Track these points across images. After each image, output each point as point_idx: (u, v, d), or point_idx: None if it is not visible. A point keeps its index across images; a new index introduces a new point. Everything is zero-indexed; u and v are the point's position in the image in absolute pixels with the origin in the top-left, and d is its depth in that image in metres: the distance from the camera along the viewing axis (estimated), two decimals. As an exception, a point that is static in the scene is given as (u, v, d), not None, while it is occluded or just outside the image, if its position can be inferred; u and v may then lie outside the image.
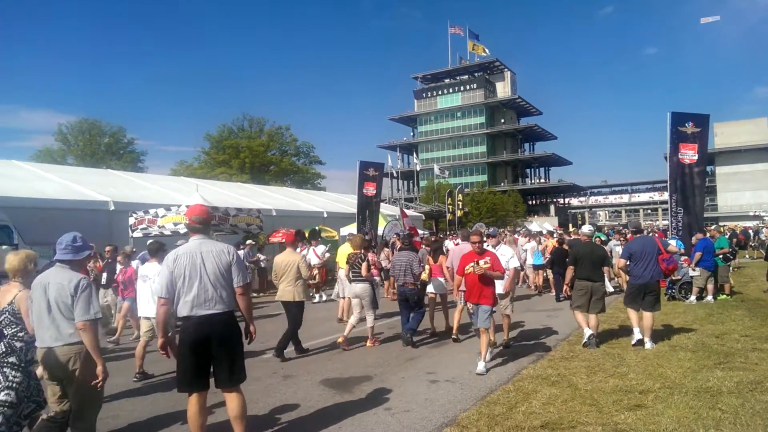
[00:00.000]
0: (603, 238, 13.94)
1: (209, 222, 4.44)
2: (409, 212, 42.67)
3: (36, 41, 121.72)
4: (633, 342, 7.33)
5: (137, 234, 14.30)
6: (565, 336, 8.38)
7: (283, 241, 10.95)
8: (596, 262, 7.62)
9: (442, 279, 9.15)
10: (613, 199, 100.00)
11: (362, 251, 8.45)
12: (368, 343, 8.23)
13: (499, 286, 7.40)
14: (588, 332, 7.39)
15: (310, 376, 6.58)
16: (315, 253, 13.38)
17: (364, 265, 8.16)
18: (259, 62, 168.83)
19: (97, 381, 3.70)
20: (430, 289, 9.18)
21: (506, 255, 7.81)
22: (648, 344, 7.19)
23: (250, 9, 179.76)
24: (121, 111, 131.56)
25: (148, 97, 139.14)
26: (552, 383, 5.73)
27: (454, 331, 8.38)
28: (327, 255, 13.91)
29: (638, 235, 8.38)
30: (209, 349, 3.96)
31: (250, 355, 6.75)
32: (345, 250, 9.92)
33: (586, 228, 8.69)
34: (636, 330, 7.44)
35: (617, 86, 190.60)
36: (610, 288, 9.38)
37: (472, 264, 6.47)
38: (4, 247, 12.68)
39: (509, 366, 6.71)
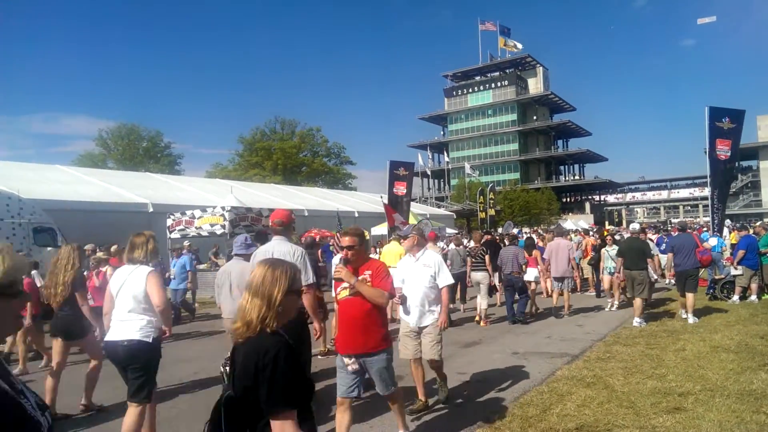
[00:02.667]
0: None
1: (289, 225, 4.97)
2: (439, 211, 42.55)
3: (74, 49, 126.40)
4: (683, 316, 9.13)
5: (175, 235, 14.69)
6: (601, 336, 8.21)
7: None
8: (637, 254, 9.01)
9: (535, 270, 10.65)
10: (651, 195, 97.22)
11: (481, 246, 10.19)
12: (482, 323, 9.60)
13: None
14: (637, 320, 8.85)
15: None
16: None
17: (488, 257, 9.88)
18: (290, 64, 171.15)
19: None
20: (527, 277, 10.35)
21: (430, 266, 5.09)
22: (690, 319, 8.86)
23: (281, 12, 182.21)
24: (158, 115, 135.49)
25: (183, 101, 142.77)
26: (587, 385, 5.63)
27: (565, 309, 10.34)
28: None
29: (680, 232, 10.36)
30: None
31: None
32: (393, 249, 9.87)
33: (633, 226, 10.83)
34: (682, 311, 9.27)
35: (654, 79, 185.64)
36: (654, 276, 9.77)
37: (345, 285, 3.95)
38: (49, 249, 13.22)
39: (543, 367, 6.61)
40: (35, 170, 21.31)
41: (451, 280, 5.27)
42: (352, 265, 3.95)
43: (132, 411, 3.92)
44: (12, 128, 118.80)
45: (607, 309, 10.82)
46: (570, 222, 44.65)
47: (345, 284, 3.92)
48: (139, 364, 3.93)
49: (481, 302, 9.73)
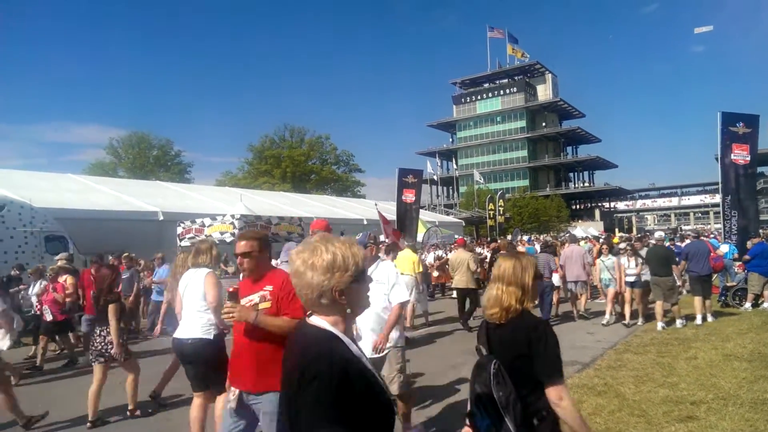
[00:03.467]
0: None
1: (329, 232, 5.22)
2: (448, 218, 42.48)
3: (85, 58, 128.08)
4: (698, 322, 9.28)
5: (185, 243, 14.76)
6: (612, 344, 8.15)
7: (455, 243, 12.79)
8: (661, 260, 9.46)
9: (557, 276, 10.98)
10: (661, 202, 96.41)
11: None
12: None
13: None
14: (660, 324, 9.20)
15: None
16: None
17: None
18: (299, 72, 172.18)
19: None
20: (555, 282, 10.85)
21: (383, 282, 4.30)
22: (709, 318, 9.45)
23: (288, 21, 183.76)
24: (168, 124, 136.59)
25: (194, 109, 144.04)
26: (598, 393, 5.58)
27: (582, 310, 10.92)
28: None
29: (694, 240, 10.75)
30: None
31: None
32: (406, 256, 10.07)
33: (658, 234, 12.21)
34: (699, 315, 9.37)
35: (664, 85, 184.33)
36: (678, 282, 10.20)
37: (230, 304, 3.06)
38: (60, 255, 13.35)
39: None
40: (47, 179, 21.57)
41: (405, 297, 4.42)
42: (251, 276, 3.22)
43: (197, 402, 4.23)
44: (24, 137, 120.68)
45: (603, 322, 10.22)
46: (579, 229, 44.37)
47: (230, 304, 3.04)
48: (202, 359, 4.16)
49: None
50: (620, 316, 10.40)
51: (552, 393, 2.24)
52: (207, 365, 4.15)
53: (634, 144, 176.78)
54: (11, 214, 12.98)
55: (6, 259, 11.94)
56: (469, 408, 2.32)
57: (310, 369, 1.38)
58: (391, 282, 4.31)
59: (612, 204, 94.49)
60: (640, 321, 9.93)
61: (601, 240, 17.44)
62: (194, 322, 4.22)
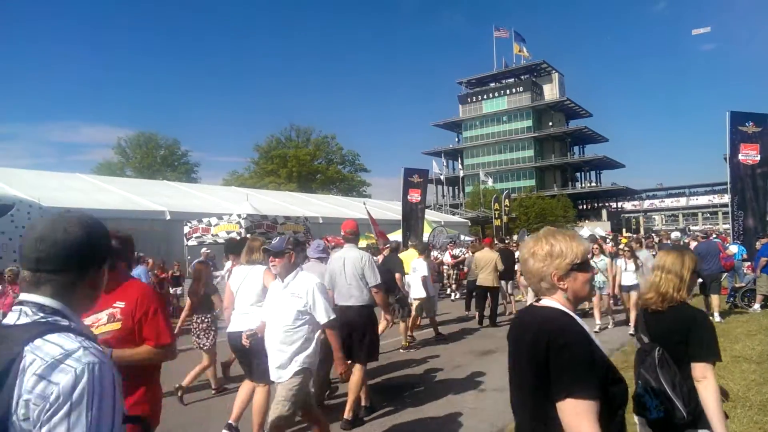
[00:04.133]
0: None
1: (358, 234, 5.67)
2: (454, 218, 42.41)
3: (93, 58, 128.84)
4: (717, 319, 9.33)
5: (192, 242, 14.84)
6: (620, 345, 8.11)
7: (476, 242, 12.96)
8: None
9: None
10: (669, 202, 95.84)
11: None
12: None
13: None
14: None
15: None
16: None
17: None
18: (305, 72, 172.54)
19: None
20: None
21: (301, 296, 3.72)
22: (717, 318, 9.41)
23: (294, 21, 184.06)
24: (175, 124, 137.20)
25: (200, 109, 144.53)
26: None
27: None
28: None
29: (704, 240, 11.44)
30: (349, 333, 4.91)
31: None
32: (410, 256, 10.14)
33: (675, 234, 12.37)
34: (716, 313, 9.55)
35: (672, 84, 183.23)
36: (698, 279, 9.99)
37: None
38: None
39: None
40: (56, 178, 21.72)
41: (332, 315, 3.75)
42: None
43: (260, 390, 4.44)
44: (33, 137, 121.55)
45: (596, 329, 9.23)
46: (586, 229, 44.17)
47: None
48: (262, 351, 4.14)
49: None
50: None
51: (698, 369, 2.39)
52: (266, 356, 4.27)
53: (642, 144, 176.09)
54: (20, 213, 13.10)
55: (16, 258, 12.02)
56: (635, 390, 2.50)
57: (558, 339, 1.58)
58: (311, 297, 3.67)
59: (619, 204, 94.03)
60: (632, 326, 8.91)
61: (608, 240, 17.38)
62: (253, 316, 4.37)
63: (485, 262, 10.51)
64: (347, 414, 4.88)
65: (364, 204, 14.39)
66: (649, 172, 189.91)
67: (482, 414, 5.19)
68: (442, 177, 65.10)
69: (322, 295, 3.74)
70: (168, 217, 18.84)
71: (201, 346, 6.23)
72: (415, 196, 19.16)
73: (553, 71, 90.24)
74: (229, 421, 4.58)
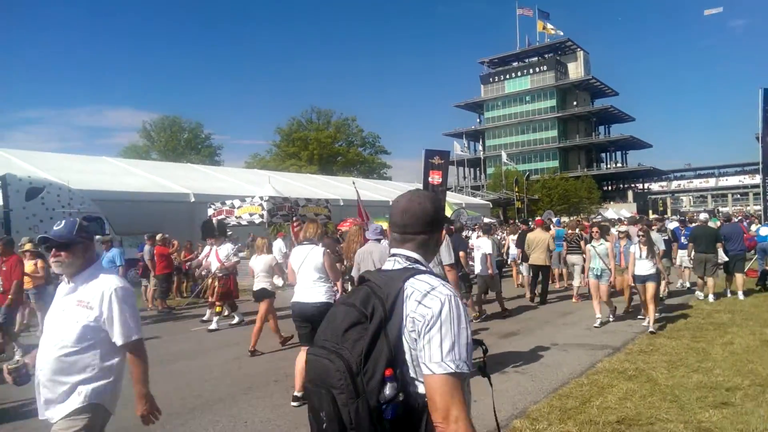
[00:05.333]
0: (717, 222, 13.69)
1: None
2: (475, 200, 42.10)
3: (118, 42, 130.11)
4: (740, 297, 9.94)
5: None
6: (644, 329, 7.99)
7: (532, 224, 13.52)
8: (710, 239, 10.15)
9: None
10: (698, 183, 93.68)
11: (578, 231, 11.93)
12: (574, 300, 10.92)
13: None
14: (700, 294, 10.32)
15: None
16: (217, 256, 9.45)
17: (582, 242, 10.82)
18: (326, 55, 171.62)
19: None
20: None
21: (92, 306, 2.54)
22: (741, 296, 9.92)
23: (317, 2, 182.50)
24: (198, 107, 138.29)
25: (223, 93, 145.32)
26: (629, 377, 5.51)
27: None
28: (234, 259, 9.61)
29: (728, 222, 11.60)
30: None
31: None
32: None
33: (703, 215, 12.51)
34: (740, 292, 10.07)
35: (701, 62, 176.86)
36: (725, 258, 10.35)
37: None
38: (98, 237, 13.76)
39: (583, 359, 6.50)
40: (84, 162, 22.18)
41: (137, 335, 2.61)
42: None
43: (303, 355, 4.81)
44: (61, 121, 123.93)
45: (597, 324, 8.30)
46: (611, 211, 43.46)
47: None
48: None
49: (575, 281, 11.15)
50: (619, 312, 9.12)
51: None
52: None
53: (670, 123, 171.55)
54: (51, 195, 13.42)
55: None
56: None
57: None
58: (105, 308, 2.54)
59: (646, 185, 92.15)
60: (650, 323, 7.79)
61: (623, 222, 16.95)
62: (315, 289, 5.12)
63: (537, 242, 10.93)
64: None
65: (353, 183, 14.21)
66: (677, 152, 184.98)
67: (503, 396, 5.18)
68: (463, 158, 64.49)
69: (125, 305, 2.57)
70: (192, 200, 19.13)
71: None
72: (436, 178, 19.00)
73: (578, 49, 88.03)
74: (295, 393, 5.10)
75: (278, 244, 12.26)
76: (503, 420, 4.56)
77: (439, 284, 1.43)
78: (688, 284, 11.85)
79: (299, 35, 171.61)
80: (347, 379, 1.32)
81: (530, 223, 15.38)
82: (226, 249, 9.52)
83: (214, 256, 9.52)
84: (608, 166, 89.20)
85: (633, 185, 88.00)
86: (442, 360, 1.32)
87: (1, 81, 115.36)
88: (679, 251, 11.94)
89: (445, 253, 5.55)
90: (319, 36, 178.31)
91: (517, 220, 27.02)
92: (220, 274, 9.28)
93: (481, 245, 9.79)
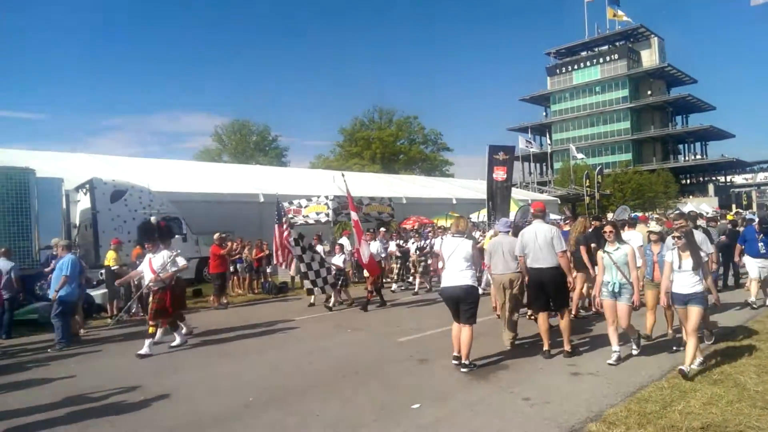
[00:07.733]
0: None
1: (545, 211, 7.07)
2: (542, 196, 40.92)
3: (191, 50, 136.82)
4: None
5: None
6: (730, 331, 7.47)
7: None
8: None
9: None
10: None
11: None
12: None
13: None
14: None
15: (445, 360, 6.43)
16: (150, 266, 7.94)
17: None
18: (388, 53, 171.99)
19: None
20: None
21: None
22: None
23: (379, 4, 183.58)
24: (265, 110, 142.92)
25: (288, 96, 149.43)
26: (714, 382, 5.18)
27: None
28: (173, 268, 7.89)
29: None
30: (543, 288, 6.59)
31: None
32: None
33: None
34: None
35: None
36: None
37: None
38: (177, 236, 14.59)
39: (663, 361, 6.17)
40: (162, 165, 23.58)
41: None
42: None
43: (466, 330, 6.05)
44: (140, 127, 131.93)
45: (613, 361, 6.06)
46: (690, 205, 40.95)
47: None
48: (471, 299, 6.09)
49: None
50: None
51: None
52: (474, 303, 6.11)
53: (755, 111, 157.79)
54: (133, 198, 14.37)
55: (130, 239, 13.26)
56: None
57: None
58: None
59: (728, 178, 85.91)
60: (687, 362, 5.51)
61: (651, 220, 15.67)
62: (463, 275, 6.06)
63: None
64: (566, 347, 6.57)
65: (342, 175, 13.57)
66: (762, 142, 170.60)
67: (577, 398, 5.01)
68: (531, 151, 62.74)
69: None
70: (262, 200, 19.86)
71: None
72: (500, 174, 18.62)
73: (652, 36, 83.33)
74: (455, 354, 6.21)
75: (343, 243, 12.46)
76: (578, 423, 4.42)
77: None
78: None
79: (361, 38, 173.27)
80: None
81: (601, 217, 14.73)
82: (161, 257, 7.89)
83: (147, 265, 7.96)
84: (686, 158, 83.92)
85: (714, 178, 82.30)
86: None
87: (88, 91, 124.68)
88: (755, 260, 9.41)
89: (558, 242, 6.45)
90: (380, 37, 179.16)
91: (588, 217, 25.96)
92: (155, 288, 7.77)
93: (632, 237, 8.87)
